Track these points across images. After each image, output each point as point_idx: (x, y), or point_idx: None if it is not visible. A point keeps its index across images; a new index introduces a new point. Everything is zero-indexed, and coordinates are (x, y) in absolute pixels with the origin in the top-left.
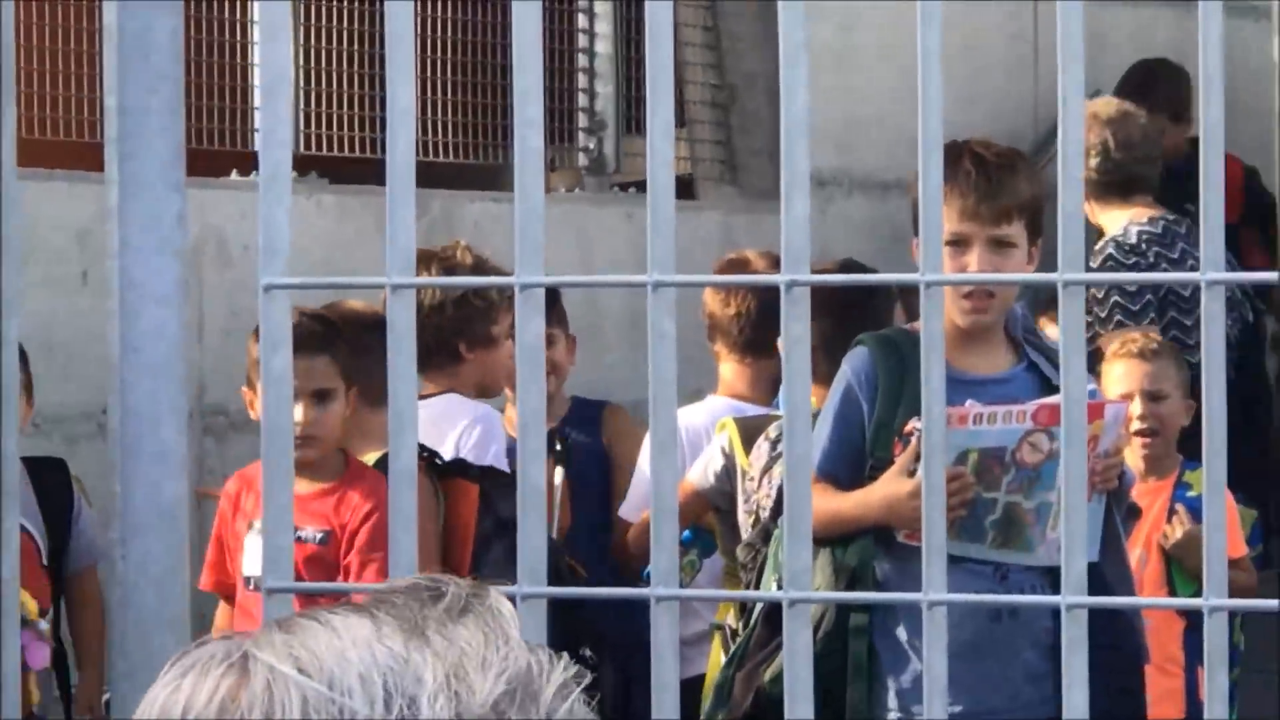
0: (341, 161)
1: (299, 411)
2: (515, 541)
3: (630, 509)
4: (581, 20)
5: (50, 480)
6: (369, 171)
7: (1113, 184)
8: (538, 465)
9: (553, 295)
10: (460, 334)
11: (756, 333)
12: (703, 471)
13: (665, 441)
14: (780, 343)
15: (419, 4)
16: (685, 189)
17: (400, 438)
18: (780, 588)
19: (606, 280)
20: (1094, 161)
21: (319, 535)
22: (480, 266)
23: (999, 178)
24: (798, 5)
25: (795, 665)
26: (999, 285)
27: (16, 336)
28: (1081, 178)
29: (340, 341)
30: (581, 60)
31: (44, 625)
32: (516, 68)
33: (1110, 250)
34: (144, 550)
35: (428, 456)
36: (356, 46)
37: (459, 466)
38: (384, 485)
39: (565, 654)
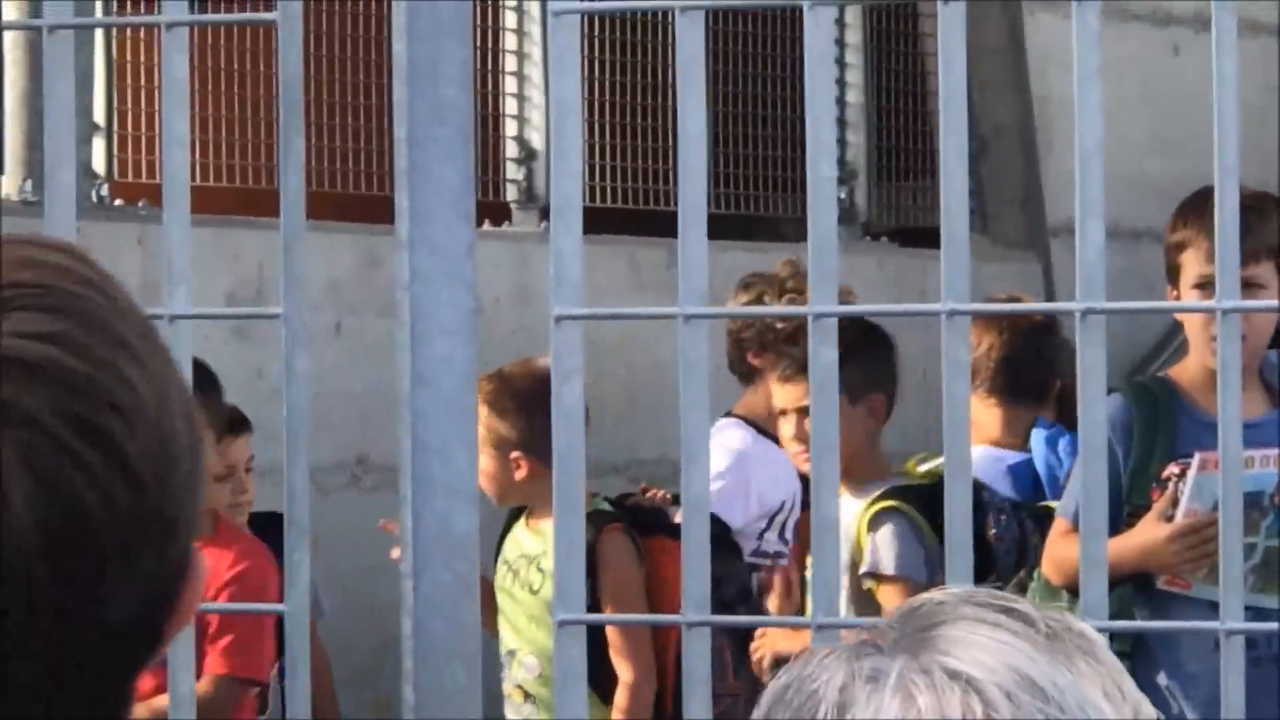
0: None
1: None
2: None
3: None
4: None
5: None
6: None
7: None
8: (830, 494)
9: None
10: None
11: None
12: None
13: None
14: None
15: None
16: (934, 238)
17: (693, 467)
18: None
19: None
20: None
21: None
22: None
23: (1247, 220)
24: (1091, 31)
25: None
26: (1251, 328)
27: (306, 370)
28: None
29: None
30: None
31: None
32: (809, 109)
33: None
34: (434, 582)
35: (615, 509)
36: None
37: (656, 518)
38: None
39: None
